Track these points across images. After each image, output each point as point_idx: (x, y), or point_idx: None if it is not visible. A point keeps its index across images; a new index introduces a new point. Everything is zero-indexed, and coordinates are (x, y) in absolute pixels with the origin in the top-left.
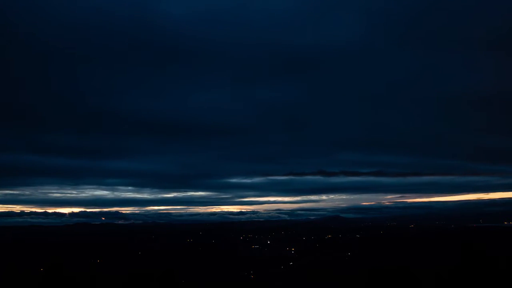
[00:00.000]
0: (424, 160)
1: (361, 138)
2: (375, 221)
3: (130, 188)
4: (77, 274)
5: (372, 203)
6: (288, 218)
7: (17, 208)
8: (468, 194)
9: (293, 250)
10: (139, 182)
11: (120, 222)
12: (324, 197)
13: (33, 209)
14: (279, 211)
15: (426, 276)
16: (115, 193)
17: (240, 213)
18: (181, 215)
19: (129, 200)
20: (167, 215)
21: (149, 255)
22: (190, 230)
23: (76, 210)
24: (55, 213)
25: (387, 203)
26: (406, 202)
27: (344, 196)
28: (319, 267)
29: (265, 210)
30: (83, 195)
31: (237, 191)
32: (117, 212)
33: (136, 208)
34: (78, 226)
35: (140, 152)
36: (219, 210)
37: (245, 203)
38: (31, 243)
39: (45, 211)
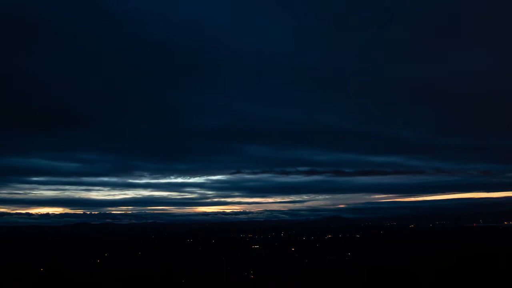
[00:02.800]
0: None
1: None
2: (375, 221)
3: (82, 188)
4: (78, 274)
5: (355, 202)
6: (288, 218)
7: None
8: (460, 193)
9: (293, 250)
10: (81, 181)
11: (117, 222)
12: (305, 196)
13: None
14: (264, 211)
15: (426, 275)
16: (66, 193)
17: (233, 213)
18: (173, 215)
19: (100, 201)
20: (157, 215)
21: (150, 255)
22: (189, 230)
23: (50, 210)
24: (38, 214)
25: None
26: (404, 202)
27: (326, 196)
28: (319, 267)
29: (256, 210)
30: (33, 195)
31: (194, 191)
32: (102, 212)
33: (114, 208)
34: (78, 226)
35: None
36: (211, 211)
37: (221, 204)
38: (31, 244)
39: (27, 212)
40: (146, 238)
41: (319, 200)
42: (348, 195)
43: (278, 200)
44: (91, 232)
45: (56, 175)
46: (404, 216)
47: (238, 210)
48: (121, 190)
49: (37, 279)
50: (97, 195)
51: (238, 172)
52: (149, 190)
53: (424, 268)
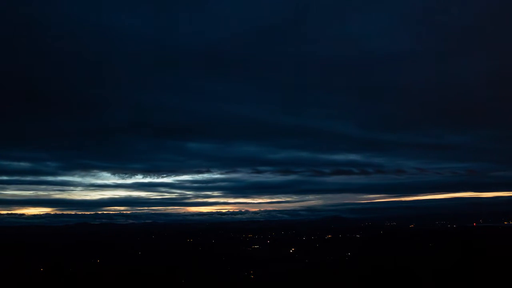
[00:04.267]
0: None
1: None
2: (375, 221)
3: (56, 188)
4: (78, 273)
5: (352, 202)
6: (288, 218)
7: None
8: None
9: (293, 250)
10: (43, 180)
11: (116, 222)
12: (295, 196)
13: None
14: (260, 211)
15: (426, 275)
16: (40, 192)
17: (230, 213)
18: (168, 214)
19: (84, 201)
20: (154, 215)
21: (150, 255)
22: (188, 230)
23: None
24: (29, 214)
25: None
26: (404, 201)
27: (313, 196)
28: (319, 267)
29: (252, 210)
30: (8, 195)
31: (170, 191)
32: (94, 213)
33: (105, 208)
34: (80, 226)
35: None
36: (207, 211)
37: (209, 204)
38: (30, 244)
39: (16, 212)
40: (146, 238)
41: (311, 200)
42: (339, 195)
43: (267, 200)
44: (94, 232)
45: (13, 175)
46: (404, 216)
47: (234, 210)
48: (95, 190)
49: (39, 278)
50: (75, 196)
51: (207, 171)
52: (124, 190)
53: (424, 268)
